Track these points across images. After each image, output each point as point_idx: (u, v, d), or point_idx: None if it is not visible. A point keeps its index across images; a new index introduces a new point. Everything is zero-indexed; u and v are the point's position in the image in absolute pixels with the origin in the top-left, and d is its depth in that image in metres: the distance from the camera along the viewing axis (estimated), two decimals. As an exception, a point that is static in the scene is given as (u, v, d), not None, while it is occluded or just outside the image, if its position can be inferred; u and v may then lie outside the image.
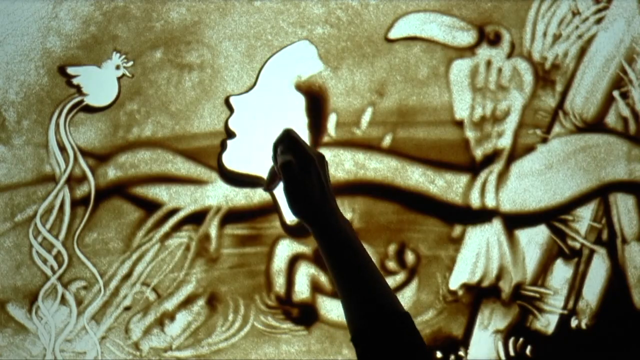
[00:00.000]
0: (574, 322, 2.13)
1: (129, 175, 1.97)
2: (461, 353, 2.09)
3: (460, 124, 2.07)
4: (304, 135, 2.01)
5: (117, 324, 2.00)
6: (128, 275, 1.99)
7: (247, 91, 2.00)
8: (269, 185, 1.38)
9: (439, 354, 2.08)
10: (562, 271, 2.12)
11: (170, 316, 2.01)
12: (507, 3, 2.07)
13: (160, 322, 2.01)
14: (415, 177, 2.05)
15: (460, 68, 2.06)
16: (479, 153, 2.08)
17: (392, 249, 2.05)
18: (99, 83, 1.95)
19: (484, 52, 2.07)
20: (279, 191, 1.40)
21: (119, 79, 1.95)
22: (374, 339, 1.20)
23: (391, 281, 2.06)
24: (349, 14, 2.02)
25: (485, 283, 2.10)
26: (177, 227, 1.99)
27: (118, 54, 1.95)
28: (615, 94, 2.11)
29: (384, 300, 1.23)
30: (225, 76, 1.99)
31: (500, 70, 2.07)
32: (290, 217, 2.02)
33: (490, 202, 2.09)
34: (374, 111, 2.03)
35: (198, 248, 2.00)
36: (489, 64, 2.07)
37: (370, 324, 1.21)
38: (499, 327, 2.11)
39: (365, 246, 2.02)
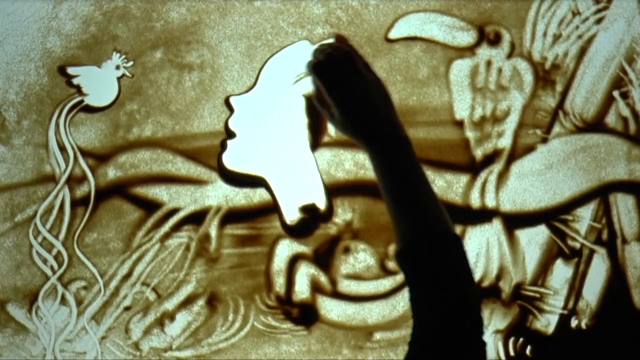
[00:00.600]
0: (574, 322, 2.13)
1: (129, 175, 1.97)
2: (461, 353, 2.09)
3: (460, 124, 2.07)
4: (304, 135, 2.01)
5: (117, 324, 2.00)
6: (128, 275, 1.99)
7: (247, 91, 2.00)
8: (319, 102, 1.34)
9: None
10: (562, 271, 2.12)
11: (170, 316, 2.01)
12: (507, 3, 2.07)
13: (160, 322, 2.01)
14: (415, 177, 2.05)
15: (461, 68, 2.06)
16: (479, 153, 2.08)
17: (392, 249, 2.05)
18: (99, 83, 1.95)
19: (484, 52, 2.07)
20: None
21: (119, 79, 1.95)
22: (417, 253, 1.20)
23: (391, 281, 2.06)
24: (349, 14, 2.02)
25: (485, 283, 2.10)
26: (177, 227, 1.99)
27: (118, 54, 1.95)
28: (615, 94, 2.11)
29: (434, 219, 1.23)
30: (225, 76, 1.99)
31: (500, 70, 2.07)
32: (290, 217, 2.02)
33: (490, 202, 2.09)
34: (374, 111, 2.03)
35: (198, 248, 2.00)
36: (489, 64, 2.07)
37: (416, 239, 1.21)
38: (499, 327, 2.11)
39: (365, 246, 2.03)
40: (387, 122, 1.28)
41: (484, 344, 1.22)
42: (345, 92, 1.30)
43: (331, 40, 1.41)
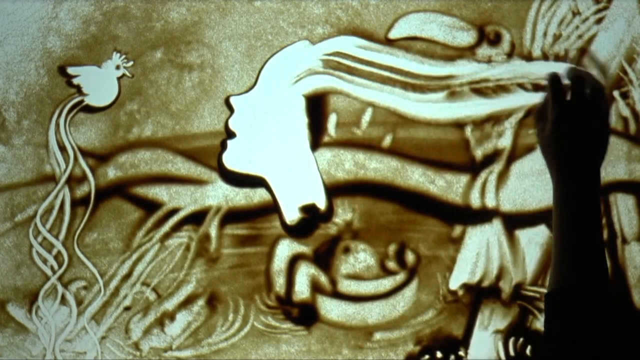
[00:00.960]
0: (574, 322, 2.13)
1: (129, 175, 1.97)
2: (461, 353, 2.09)
3: (460, 124, 2.07)
4: (304, 135, 2.01)
5: (117, 324, 2.00)
6: (128, 275, 1.99)
7: (247, 91, 2.00)
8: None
9: (439, 354, 2.08)
10: (562, 271, 2.12)
11: (170, 316, 2.01)
12: (507, 3, 2.07)
13: (160, 322, 2.01)
14: (415, 177, 2.05)
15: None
16: (479, 153, 2.08)
17: (392, 249, 2.05)
18: (99, 83, 1.95)
19: (484, 51, 2.07)
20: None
21: (119, 79, 1.95)
22: (574, 302, 1.19)
23: (391, 281, 2.06)
24: (349, 14, 2.02)
25: (485, 283, 2.10)
26: (177, 227, 1.99)
27: (118, 54, 1.95)
28: (615, 94, 2.11)
29: (598, 270, 1.22)
30: (225, 76, 1.99)
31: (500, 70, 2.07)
32: (290, 217, 2.02)
33: (490, 202, 2.09)
34: (374, 111, 2.03)
35: (198, 248, 2.00)
36: (489, 63, 2.07)
37: (576, 287, 1.20)
38: (499, 327, 2.11)
39: (365, 246, 2.03)
40: (592, 165, 1.27)
41: None
42: (574, 119, 1.29)
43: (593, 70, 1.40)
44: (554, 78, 1.29)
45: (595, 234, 1.24)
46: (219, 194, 1.99)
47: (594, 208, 1.23)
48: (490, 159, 2.09)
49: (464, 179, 2.07)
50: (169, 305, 2.01)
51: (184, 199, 1.99)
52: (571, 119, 1.26)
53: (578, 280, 1.21)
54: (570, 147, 1.25)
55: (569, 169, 1.25)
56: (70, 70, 1.94)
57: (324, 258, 2.04)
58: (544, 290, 2.11)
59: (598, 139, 1.26)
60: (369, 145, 2.03)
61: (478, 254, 2.09)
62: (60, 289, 1.97)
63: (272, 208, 2.01)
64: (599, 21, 2.10)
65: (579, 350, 1.19)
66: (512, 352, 2.11)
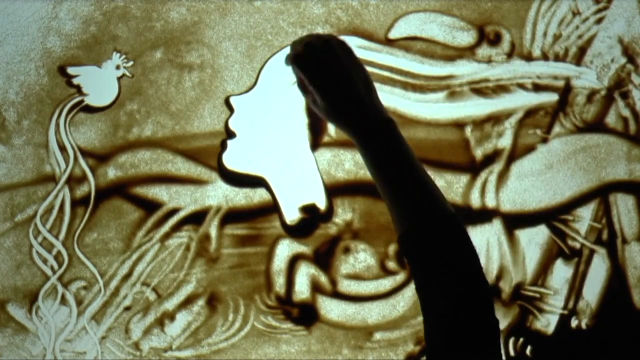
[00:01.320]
0: (574, 322, 2.13)
1: (129, 175, 1.97)
2: (461, 353, 2.09)
3: (460, 124, 2.07)
4: (304, 135, 2.01)
5: (117, 324, 2.00)
6: (128, 275, 1.99)
7: (247, 91, 2.00)
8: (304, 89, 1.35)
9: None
10: (562, 271, 2.12)
11: (170, 316, 2.01)
12: (507, 3, 2.07)
13: (160, 322, 2.01)
14: (415, 177, 2.05)
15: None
16: (479, 153, 2.08)
17: (392, 249, 2.05)
18: (99, 83, 1.95)
19: (484, 51, 2.07)
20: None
21: (119, 79, 1.95)
22: (420, 236, 1.19)
23: (391, 281, 2.06)
24: (349, 14, 2.02)
25: (485, 283, 2.09)
26: (177, 227, 1.99)
27: (118, 54, 1.95)
28: (616, 94, 2.11)
29: (431, 201, 1.22)
30: (225, 76, 1.99)
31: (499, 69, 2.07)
32: (290, 217, 2.02)
33: (490, 202, 2.09)
34: (374, 111, 2.03)
35: (198, 248, 2.00)
36: (489, 63, 2.07)
37: (417, 223, 1.20)
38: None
39: (365, 246, 2.02)
40: (369, 105, 1.27)
41: (497, 321, 1.22)
42: (325, 79, 1.30)
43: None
44: (292, 57, 1.31)
45: (412, 165, 1.24)
46: (219, 194, 1.99)
47: (397, 144, 1.24)
48: (490, 159, 2.09)
49: (464, 179, 2.07)
50: (169, 305, 2.01)
51: (184, 199, 1.99)
52: (327, 78, 1.28)
53: (422, 213, 1.22)
54: (340, 102, 1.27)
55: (355, 120, 1.26)
56: (70, 70, 1.94)
57: (324, 258, 2.04)
58: (544, 290, 2.12)
59: (353, 74, 1.27)
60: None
61: (478, 254, 2.09)
62: (60, 289, 1.97)
63: (272, 208, 2.01)
64: (599, 21, 2.10)
65: (450, 279, 1.19)
66: (512, 352, 2.11)
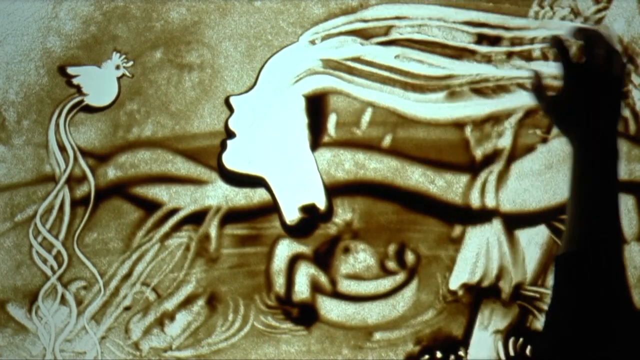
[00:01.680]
0: (574, 322, 2.12)
1: (129, 175, 1.97)
2: (461, 353, 2.09)
3: (460, 124, 2.07)
4: (304, 135, 2.01)
5: (117, 324, 2.00)
6: (128, 275, 1.99)
7: (247, 91, 2.00)
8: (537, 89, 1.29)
9: (439, 354, 2.08)
10: (562, 271, 2.12)
11: (170, 316, 2.01)
12: (507, 3, 2.07)
13: (160, 322, 2.01)
14: (415, 177, 2.05)
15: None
16: (479, 153, 2.08)
17: (392, 249, 2.05)
18: (99, 83, 1.95)
19: (484, 51, 2.07)
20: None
21: (119, 79, 1.95)
22: (587, 263, 1.18)
23: (391, 281, 2.06)
24: (349, 14, 2.02)
25: (485, 283, 2.10)
26: (177, 227, 1.99)
27: (118, 54, 1.95)
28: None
29: (612, 234, 1.21)
30: (225, 76, 1.99)
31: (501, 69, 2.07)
32: (290, 217, 2.02)
33: (490, 202, 2.08)
34: (374, 111, 2.03)
35: (198, 248, 2.00)
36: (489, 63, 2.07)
37: (598, 246, 1.19)
38: (499, 327, 2.11)
39: (365, 246, 2.02)
40: (609, 129, 1.24)
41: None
42: (604, 85, 1.24)
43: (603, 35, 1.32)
44: (559, 41, 1.24)
45: (611, 198, 1.22)
46: (219, 194, 1.99)
47: (610, 173, 1.21)
48: (490, 159, 2.09)
49: (464, 179, 2.07)
50: (169, 305, 2.01)
51: (184, 199, 1.99)
52: (585, 83, 1.22)
53: (592, 243, 1.20)
54: (586, 111, 1.22)
55: (585, 133, 1.22)
56: (70, 70, 1.94)
57: (324, 258, 2.04)
58: (544, 290, 2.12)
59: (613, 102, 1.22)
60: (369, 145, 2.03)
61: (478, 254, 2.09)
62: (60, 289, 1.97)
63: (272, 208, 2.01)
64: (599, 21, 2.10)
65: (587, 314, 1.18)
66: (512, 352, 2.11)
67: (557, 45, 1.25)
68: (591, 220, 1.22)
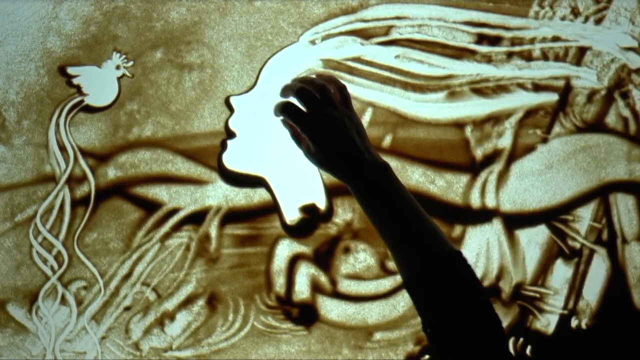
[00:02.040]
0: (574, 322, 2.13)
1: (129, 175, 1.97)
2: (461, 353, 2.09)
3: (460, 124, 2.07)
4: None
5: (117, 324, 2.00)
6: (128, 275, 1.99)
7: (247, 91, 2.00)
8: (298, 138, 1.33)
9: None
10: (562, 271, 2.12)
11: (171, 316, 2.01)
12: (507, 3, 2.07)
13: (160, 322, 2.01)
14: (415, 177, 2.05)
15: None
16: (479, 153, 2.08)
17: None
18: (99, 83, 1.95)
19: (484, 51, 2.07)
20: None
21: (119, 79, 1.95)
22: (427, 279, 1.19)
23: (391, 281, 2.06)
24: (349, 14, 2.02)
25: (485, 283, 2.10)
26: (177, 227, 1.99)
27: (118, 54, 1.95)
28: (616, 94, 2.11)
29: (434, 241, 1.22)
30: (225, 76, 1.99)
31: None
32: (290, 217, 2.02)
33: (490, 202, 2.09)
34: (374, 111, 2.03)
35: (198, 248, 2.00)
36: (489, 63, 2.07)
37: (422, 265, 1.20)
38: (499, 327, 2.11)
39: (365, 246, 2.02)
40: (364, 152, 1.28)
41: (511, 356, 1.22)
42: (320, 127, 1.29)
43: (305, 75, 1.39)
44: (282, 107, 1.30)
45: (411, 209, 1.24)
46: (219, 194, 1.99)
47: (395, 188, 1.24)
48: (490, 159, 2.09)
49: (464, 179, 2.07)
50: (169, 305, 2.01)
51: (184, 199, 1.99)
52: (322, 126, 1.27)
53: (426, 255, 1.22)
54: (335, 150, 1.26)
55: (352, 168, 1.26)
56: (70, 70, 1.94)
57: (324, 258, 2.04)
58: (544, 290, 2.12)
59: (346, 121, 1.26)
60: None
61: (478, 254, 2.09)
62: (60, 289, 1.97)
63: (272, 208, 2.01)
64: (599, 21, 2.10)
65: (460, 319, 1.18)
66: (512, 352, 2.11)
67: (283, 110, 1.30)
68: (402, 246, 1.24)
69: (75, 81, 1.94)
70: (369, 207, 1.27)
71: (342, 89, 1.33)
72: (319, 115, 1.29)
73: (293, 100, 1.32)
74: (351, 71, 2.02)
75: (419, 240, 1.24)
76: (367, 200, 1.27)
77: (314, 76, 1.34)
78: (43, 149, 1.94)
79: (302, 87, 1.31)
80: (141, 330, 2.01)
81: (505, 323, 2.11)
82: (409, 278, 1.23)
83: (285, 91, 1.34)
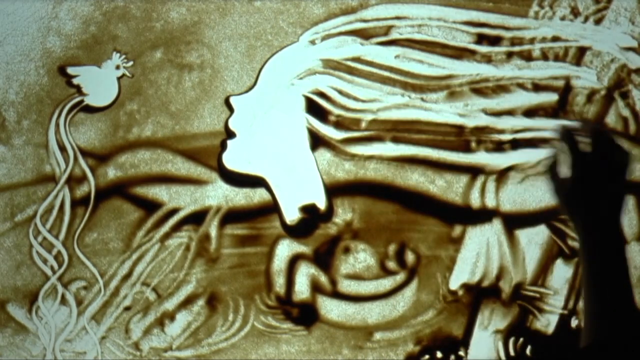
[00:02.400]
0: (574, 322, 2.13)
1: (129, 175, 1.97)
2: (461, 353, 2.09)
3: (460, 124, 2.07)
4: (304, 135, 2.01)
5: (117, 324, 2.00)
6: (128, 275, 1.99)
7: (247, 91, 2.00)
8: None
9: (439, 354, 2.08)
10: (562, 271, 2.12)
11: (170, 316, 2.01)
12: (507, 3, 2.07)
13: (160, 322, 2.01)
14: (415, 177, 2.05)
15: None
16: (479, 153, 2.08)
17: (392, 249, 2.05)
18: (99, 83, 1.95)
19: (484, 51, 2.07)
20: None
21: (119, 79, 1.96)
22: (613, 352, 1.20)
23: (391, 281, 2.06)
24: (349, 14, 2.02)
25: (485, 283, 2.10)
26: (177, 227, 1.99)
27: (118, 54, 1.95)
28: (616, 94, 2.11)
29: (629, 322, 1.23)
30: (225, 76, 1.99)
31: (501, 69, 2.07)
32: (290, 217, 2.02)
33: (490, 202, 2.09)
34: (374, 111, 2.03)
35: (198, 248, 2.00)
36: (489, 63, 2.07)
37: (616, 335, 1.21)
38: (499, 327, 2.11)
39: (365, 246, 2.02)
40: (614, 220, 1.27)
41: None
42: (603, 184, 1.28)
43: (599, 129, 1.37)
44: (568, 133, 1.29)
45: (623, 286, 1.23)
46: (219, 194, 1.99)
47: (620, 262, 1.23)
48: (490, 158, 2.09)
49: (464, 179, 2.07)
50: (169, 305, 2.01)
51: (184, 199, 1.99)
52: (594, 175, 1.26)
53: (610, 333, 1.22)
54: (594, 204, 1.25)
55: (592, 226, 1.25)
56: (70, 70, 1.94)
57: (324, 258, 2.04)
58: (544, 290, 2.12)
59: (618, 194, 1.26)
60: (370, 145, 2.03)
61: (478, 254, 2.09)
62: (60, 289, 1.97)
63: (272, 208, 2.01)
64: (598, 21, 2.10)
65: None
66: (512, 352, 2.11)
67: (566, 136, 1.29)
68: (606, 309, 1.24)
69: (75, 81, 1.94)
70: (592, 265, 1.25)
71: (627, 155, 1.31)
72: (605, 166, 1.28)
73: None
74: (351, 71, 2.02)
75: (624, 310, 1.25)
76: (594, 259, 1.26)
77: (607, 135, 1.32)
78: (43, 149, 1.94)
79: (606, 140, 1.29)
80: (141, 330, 2.01)
81: (505, 323, 2.11)
82: (594, 343, 1.23)
83: (586, 128, 1.31)
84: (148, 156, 1.97)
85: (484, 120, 2.06)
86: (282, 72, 1.99)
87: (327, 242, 2.04)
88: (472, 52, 2.06)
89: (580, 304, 2.13)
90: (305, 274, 2.04)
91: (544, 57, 2.09)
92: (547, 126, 2.08)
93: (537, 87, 2.09)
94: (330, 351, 2.06)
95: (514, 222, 2.10)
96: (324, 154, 2.02)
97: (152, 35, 1.96)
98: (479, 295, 2.10)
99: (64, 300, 1.98)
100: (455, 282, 2.07)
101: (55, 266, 1.97)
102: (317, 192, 2.02)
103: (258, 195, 2.00)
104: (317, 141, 2.01)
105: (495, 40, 2.07)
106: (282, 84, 2.00)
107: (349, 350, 2.06)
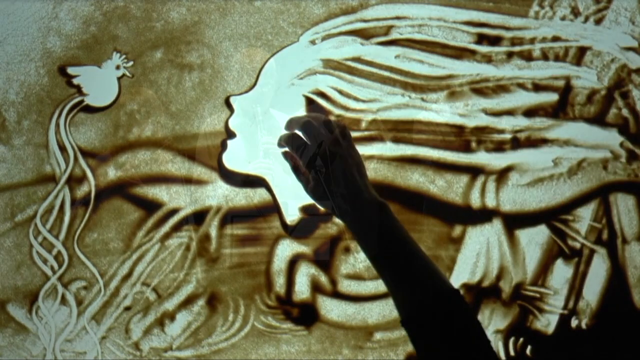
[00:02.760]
0: (574, 322, 2.13)
1: (129, 175, 1.97)
2: (461, 353, 2.09)
3: (460, 123, 2.07)
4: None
5: (117, 324, 2.00)
6: (128, 275, 1.99)
7: (247, 91, 2.00)
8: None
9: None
10: (562, 271, 2.12)
11: (171, 316, 2.01)
12: (507, 3, 2.07)
13: (160, 322, 2.01)
14: (415, 177, 2.05)
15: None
16: (479, 153, 2.08)
17: (392, 249, 2.05)
18: (99, 83, 1.95)
19: (484, 51, 2.07)
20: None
21: (119, 79, 1.96)
22: (423, 319, 1.19)
23: (391, 281, 2.06)
24: (349, 14, 2.02)
25: (486, 283, 2.10)
26: (177, 227, 1.99)
27: (118, 54, 1.95)
28: (616, 94, 2.11)
29: (432, 279, 1.22)
30: (225, 76, 1.99)
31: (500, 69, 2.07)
32: (290, 217, 2.02)
33: (490, 202, 2.09)
34: (374, 111, 2.03)
35: (198, 248, 2.00)
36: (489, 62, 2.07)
37: (419, 306, 1.20)
38: (499, 327, 2.11)
39: (365, 246, 2.01)
40: (363, 190, 1.28)
41: None
42: (321, 162, 1.30)
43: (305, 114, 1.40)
44: (286, 138, 1.30)
45: (408, 245, 1.23)
46: (219, 194, 1.99)
47: (394, 226, 1.23)
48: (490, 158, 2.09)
49: (464, 179, 2.07)
50: (169, 305, 2.01)
51: (184, 199, 1.99)
52: (324, 161, 1.28)
53: (424, 293, 1.21)
54: (339, 188, 1.27)
55: (353, 205, 1.26)
56: (70, 70, 1.94)
57: (324, 258, 2.04)
58: (545, 290, 2.12)
59: (350, 160, 1.26)
60: (369, 145, 2.03)
61: (478, 254, 2.09)
62: (60, 289, 1.97)
63: (272, 208, 2.01)
64: (599, 21, 2.10)
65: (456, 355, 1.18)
66: (512, 352, 2.12)
67: (285, 141, 1.32)
68: (397, 283, 1.24)
69: (75, 81, 1.94)
70: (365, 244, 1.27)
71: (343, 128, 1.33)
72: (323, 150, 1.29)
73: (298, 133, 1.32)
74: (351, 71, 2.02)
75: (417, 278, 1.23)
76: (364, 238, 1.27)
77: (318, 114, 1.35)
78: (43, 149, 1.94)
79: (308, 120, 1.32)
80: (141, 330, 2.01)
81: (505, 323, 2.11)
82: (407, 316, 1.22)
83: (291, 124, 1.36)
84: (148, 156, 1.97)
85: (484, 120, 2.06)
86: (282, 72, 1.99)
87: (327, 242, 2.04)
88: (472, 52, 2.06)
89: (581, 303, 2.14)
90: (305, 274, 2.04)
91: (544, 57, 2.09)
92: (547, 126, 2.08)
93: (537, 87, 2.09)
94: (330, 351, 2.06)
95: (514, 222, 2.10)
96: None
97: (152, 35, 1.96)
98: (479, 295, 2.10)
99: (64, 301, 1.98)
100: (455, 282, 2.07)
101: (56, 266, 1.97)
102: (317, 192, 2.02)
103: (258, 195, 2.01)
104: (317, 141, 2.01)
105: (495, 40, 2.07)
106: (282, 84, 2.00)
107: (349, 350, 2.06)
